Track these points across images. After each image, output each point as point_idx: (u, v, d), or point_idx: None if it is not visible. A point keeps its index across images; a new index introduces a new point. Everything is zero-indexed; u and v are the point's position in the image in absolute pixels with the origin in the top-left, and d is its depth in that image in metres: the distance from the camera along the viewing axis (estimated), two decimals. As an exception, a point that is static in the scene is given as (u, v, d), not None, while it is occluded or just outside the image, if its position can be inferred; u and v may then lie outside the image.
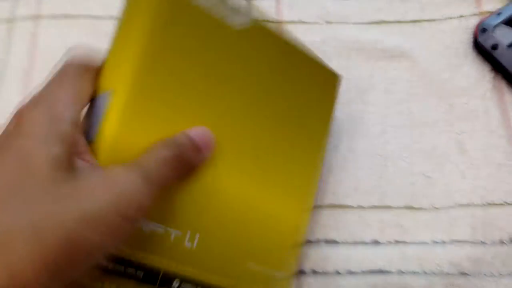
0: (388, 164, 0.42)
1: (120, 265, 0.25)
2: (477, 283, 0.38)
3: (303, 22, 0.47)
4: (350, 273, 0.38)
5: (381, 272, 0.38)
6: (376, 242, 0.39)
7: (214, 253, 0.29)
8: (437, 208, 0.40)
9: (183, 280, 0.28)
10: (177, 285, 0.27)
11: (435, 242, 0.39)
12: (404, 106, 0.44)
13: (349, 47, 0.46)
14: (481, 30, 0.45)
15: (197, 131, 0.28)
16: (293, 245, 0.35)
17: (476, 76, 0.45)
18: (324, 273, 0.38)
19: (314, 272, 0.38)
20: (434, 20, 0.47)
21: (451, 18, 0.47)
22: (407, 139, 0.43)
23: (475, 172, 0.41)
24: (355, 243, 0.40)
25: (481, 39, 0.45)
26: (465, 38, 0.46)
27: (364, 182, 0.42)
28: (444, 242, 0.39)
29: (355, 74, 0.45)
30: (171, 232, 0.27)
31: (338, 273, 0.38)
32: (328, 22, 0.48)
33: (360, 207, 0.41)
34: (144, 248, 0.26)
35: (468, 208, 0.40)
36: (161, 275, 0.27)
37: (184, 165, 0.28)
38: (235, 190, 0.31)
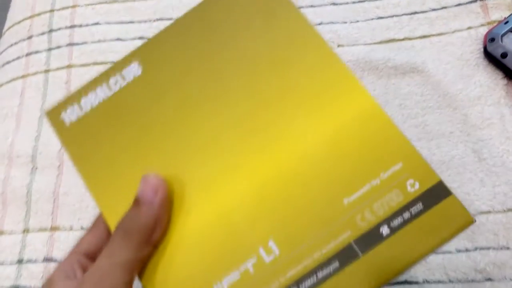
0: (408, 177, 0.43)
1: None
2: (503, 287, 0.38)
3: (316, 48, 0.50)
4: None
5: (407, 282, 0.40)
6: (400, 254, 0.41)
7: (302, 236, 0.26)
8: (459, 217, 0.41)
9: (298, 283, 0.25)
10: None
11: (459, 251, 0.40)
12: (420, 120, 0.46)
13: (361, 67, 0.48)
14: (490, 39, 0.46)
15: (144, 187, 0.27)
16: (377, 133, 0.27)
17: (489, 84, 0.46)
18: (352, 288, 0.40)
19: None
20: (443, 33, 0.49)
21: (460, 30, 0.49)
22: (425, 151, 0.44)
23: (494, 179, 0.42)
24: (380, 256, 0.41)
25: (490, 49, 0.46)
26: (475, 49, 0.48)
27: (385, 196, 0.43)
28: (468, 250, 0.40)
29: (369, 92, 0.47)
30: (247, 267, 0.26)
31: (365, 286, 0.40)
32: (340, 45, 0.50)
33: (383, 221, 0.42)
34: None
35: (489, 215, 0.41)
36: None
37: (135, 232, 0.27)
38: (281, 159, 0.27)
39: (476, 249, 0.40)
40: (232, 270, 0.26)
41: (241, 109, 0.29)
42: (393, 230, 0.25)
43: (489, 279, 0.39)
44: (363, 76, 0.48)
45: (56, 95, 0.52)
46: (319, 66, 0.29)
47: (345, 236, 0.25)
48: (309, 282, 0.25)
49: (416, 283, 0.40)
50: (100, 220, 0.31)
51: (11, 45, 0.57)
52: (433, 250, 0.25)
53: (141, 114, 0.30)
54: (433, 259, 0.40)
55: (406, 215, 0.25)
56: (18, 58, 0.56)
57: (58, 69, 0.53)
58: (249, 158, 0.28)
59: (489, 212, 0.41)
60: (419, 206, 0.25)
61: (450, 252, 0.40)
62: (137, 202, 0.27)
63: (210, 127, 0.29)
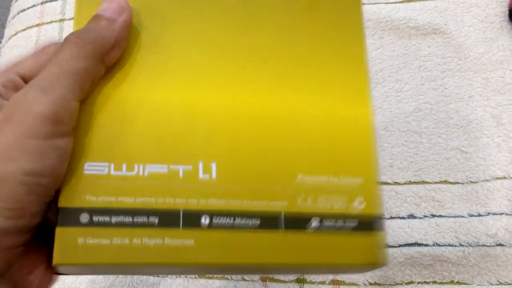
0: (423, 141, 0.43)
1: (126, 216, 0.24)
2: (513, 253, 0.39)
3: (336, 5, 0.49)
4: (387, 246, 0.40)
5: (417, 245, 0.40)
6: (412, 216, 0.41)
7: (244, 178, 0.26)
8: (473, 182, 0.41)
9: (213, 214, 0.25)
10: (207, 221, 0.25)
11: (471, 215, 0.40)
12: (439, 83, 0.45)
13: (382, 27, 0.47)
14: (516, 2, 0.45)
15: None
16: (354, 142, 0.28)
17: (512, 48, 0.45)
18: (362, 247, 0.40)
19: (352, 246, 0.40)
20: (468, -6, 0.47)
21: (485, -9, 0.47)
22: (442, 115, 0.44)
23: (512, 144, 0.42)
24: (391, 218, 0.41)
25: (516, 11, 0.44)
26: (500, 11, 0.46)
27: (400, 158, 0.43)
28: (480, 215, 0.40)
29: (389, 53, 0.46)
30: (177, 169, 0.25)
31: (375, 246, 0.40)
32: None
33: (396, 183, 0.42)
34: (149, 193, 0.25)
35: (504, 181, 0.41)
36: (181, 214, 0.25)
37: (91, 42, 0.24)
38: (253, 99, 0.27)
39: (488, 214, 0.40)
40: (162, 163, 0.25)
41: (264, 47, 0.28)
42: (321, 227, 0.26)
43: (500, 244, 0.39)
44: (383, 36, 0.47)
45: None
46: (346, 53, 0.29)
47: (280, 204, 0.26)
48: (224, 220, 0.25)
49: (426, 245, 0.40)
50: (49, 47, 0.27)
51: (26, -7, 0.57)
52: (336, 265, 0.26)
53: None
54: (444, 222, 0.40)
55: (339, 223, 0.26)
56: (33, 6, 0.55)
57: (73, 18, 0.53)
58: (247, 83, 0.27)
59: (504, 178, 0.41)
60: (354, 223, 0.26)
61: (462, 216, 0.40)
62: (97, 17, 0.25)
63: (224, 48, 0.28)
